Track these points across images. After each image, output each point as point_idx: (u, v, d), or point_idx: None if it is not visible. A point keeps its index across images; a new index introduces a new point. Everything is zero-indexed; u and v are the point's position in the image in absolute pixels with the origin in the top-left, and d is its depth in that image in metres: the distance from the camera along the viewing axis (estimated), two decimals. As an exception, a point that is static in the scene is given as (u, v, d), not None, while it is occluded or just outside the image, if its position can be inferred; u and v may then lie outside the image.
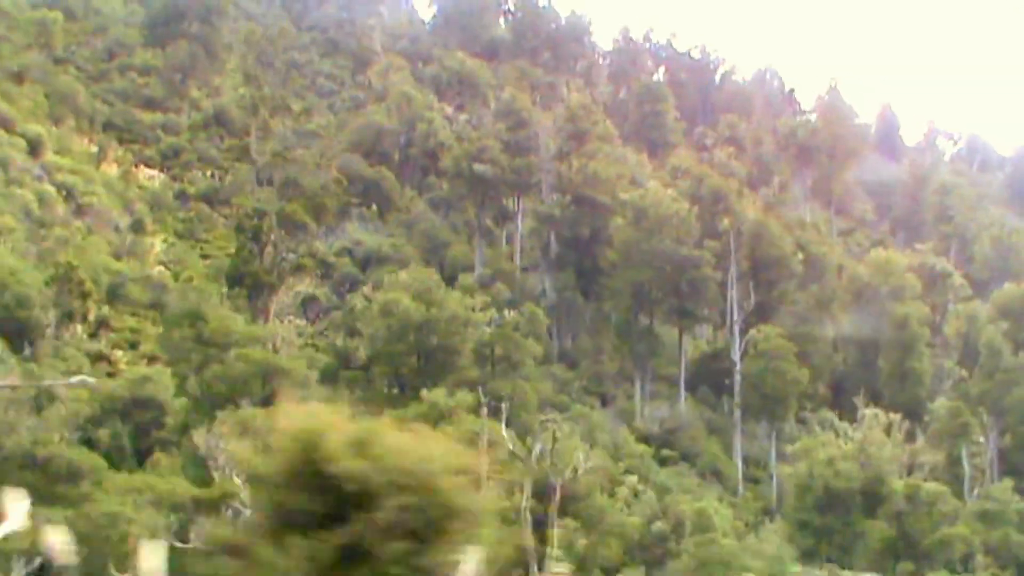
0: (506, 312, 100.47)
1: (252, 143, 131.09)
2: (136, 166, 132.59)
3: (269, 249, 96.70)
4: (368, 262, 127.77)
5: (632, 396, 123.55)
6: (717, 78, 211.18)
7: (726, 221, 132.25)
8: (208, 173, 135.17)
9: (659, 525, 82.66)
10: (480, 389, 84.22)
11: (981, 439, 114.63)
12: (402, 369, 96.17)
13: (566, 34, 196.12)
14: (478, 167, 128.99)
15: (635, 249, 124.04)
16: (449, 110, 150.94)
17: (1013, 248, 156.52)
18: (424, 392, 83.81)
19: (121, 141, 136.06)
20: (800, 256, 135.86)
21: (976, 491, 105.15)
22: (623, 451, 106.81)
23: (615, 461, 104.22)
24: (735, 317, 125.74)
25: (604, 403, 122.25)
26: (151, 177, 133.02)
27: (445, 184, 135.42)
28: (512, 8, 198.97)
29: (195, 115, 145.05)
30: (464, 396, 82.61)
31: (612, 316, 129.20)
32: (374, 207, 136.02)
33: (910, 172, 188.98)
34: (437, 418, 72.85)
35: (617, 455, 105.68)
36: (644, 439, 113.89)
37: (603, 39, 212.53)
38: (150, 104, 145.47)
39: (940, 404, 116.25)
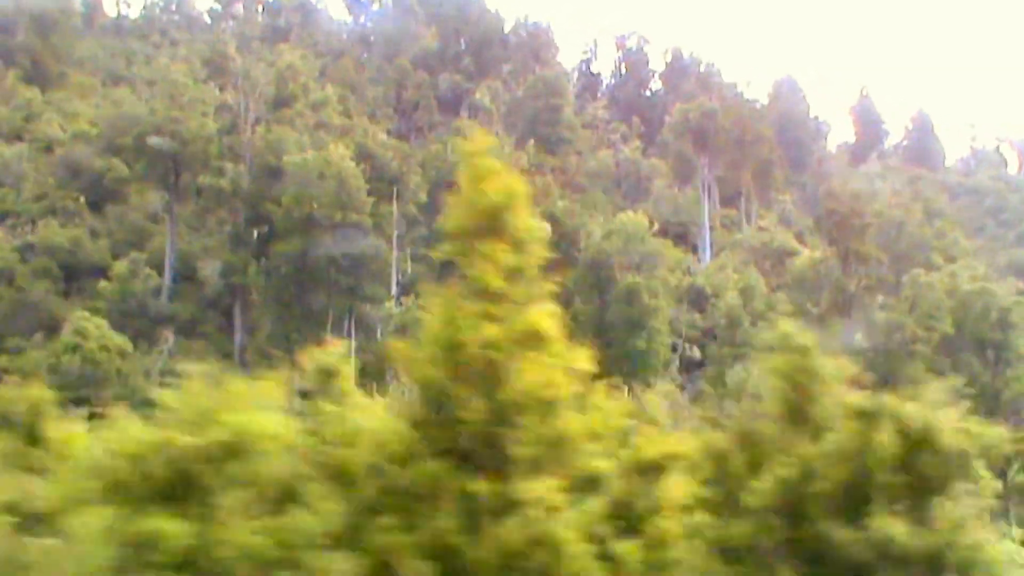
0: None
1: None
2: None
3: None
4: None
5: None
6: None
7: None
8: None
9: None
10: None
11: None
12: None
13: (489, 39, 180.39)
14: (154, 140, 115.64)
15: (289, 219, 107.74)
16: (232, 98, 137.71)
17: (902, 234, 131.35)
18: None
19: None
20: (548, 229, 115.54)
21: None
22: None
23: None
24: (394, 289, 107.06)
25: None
26: None
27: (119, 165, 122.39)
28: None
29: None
30: None
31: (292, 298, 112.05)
32: (81, 199, 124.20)
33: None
34: None
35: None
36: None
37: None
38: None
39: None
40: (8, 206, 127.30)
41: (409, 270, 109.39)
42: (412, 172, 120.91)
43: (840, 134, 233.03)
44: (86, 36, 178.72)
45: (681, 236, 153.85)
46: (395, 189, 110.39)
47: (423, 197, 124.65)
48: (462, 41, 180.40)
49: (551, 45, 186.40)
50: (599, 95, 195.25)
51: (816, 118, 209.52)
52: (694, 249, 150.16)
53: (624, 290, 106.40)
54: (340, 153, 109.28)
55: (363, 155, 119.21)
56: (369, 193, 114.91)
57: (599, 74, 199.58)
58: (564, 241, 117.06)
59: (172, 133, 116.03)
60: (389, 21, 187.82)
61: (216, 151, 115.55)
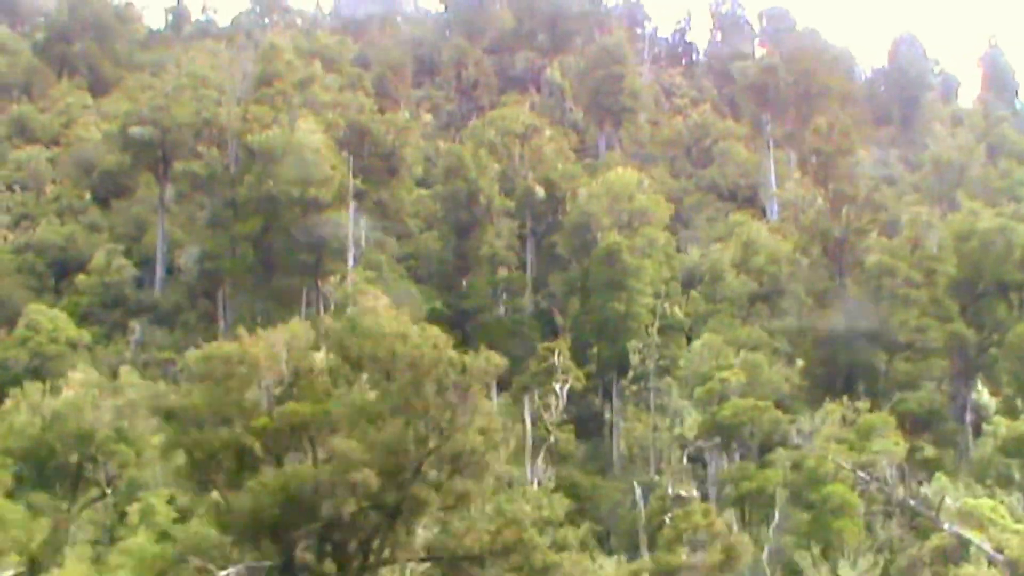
0: None
1: None
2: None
3: None
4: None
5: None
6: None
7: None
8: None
9: None
10: None
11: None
12: None
13: (562, 13, 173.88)
14: (135, 130, 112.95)
15: (251, 198, 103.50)
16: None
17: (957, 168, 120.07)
18: None
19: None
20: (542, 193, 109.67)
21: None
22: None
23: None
24: (351, 264, 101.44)
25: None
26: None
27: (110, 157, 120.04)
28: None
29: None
30: None
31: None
32: (87, 196, 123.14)
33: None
34: None
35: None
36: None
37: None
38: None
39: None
40: (29, 209, 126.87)
41: (363, 243, 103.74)
42: (407, 146, 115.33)
43: (974, 89, 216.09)
44: (174, 43, 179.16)
45: (750, 199, 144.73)
46: (350, 159, 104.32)
47: (418, 171, 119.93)
48: (536, 17, 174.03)
49: (618, 14, 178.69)
50: (694, 64, 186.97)
51: (942, 72, 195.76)
52: (763, 211, 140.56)
53: (604, 250, 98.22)
54: (306, 128, 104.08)
55: (356, 131, 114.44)
56: (364, 170, 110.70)
57: (693, 43, 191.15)
58: (561, 206, 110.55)
59: (153, 122, 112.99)
60: (471, 4, 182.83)
61: (199, 137, 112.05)
